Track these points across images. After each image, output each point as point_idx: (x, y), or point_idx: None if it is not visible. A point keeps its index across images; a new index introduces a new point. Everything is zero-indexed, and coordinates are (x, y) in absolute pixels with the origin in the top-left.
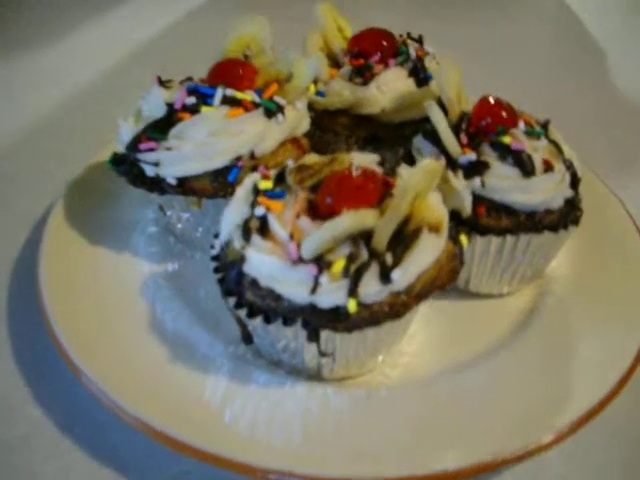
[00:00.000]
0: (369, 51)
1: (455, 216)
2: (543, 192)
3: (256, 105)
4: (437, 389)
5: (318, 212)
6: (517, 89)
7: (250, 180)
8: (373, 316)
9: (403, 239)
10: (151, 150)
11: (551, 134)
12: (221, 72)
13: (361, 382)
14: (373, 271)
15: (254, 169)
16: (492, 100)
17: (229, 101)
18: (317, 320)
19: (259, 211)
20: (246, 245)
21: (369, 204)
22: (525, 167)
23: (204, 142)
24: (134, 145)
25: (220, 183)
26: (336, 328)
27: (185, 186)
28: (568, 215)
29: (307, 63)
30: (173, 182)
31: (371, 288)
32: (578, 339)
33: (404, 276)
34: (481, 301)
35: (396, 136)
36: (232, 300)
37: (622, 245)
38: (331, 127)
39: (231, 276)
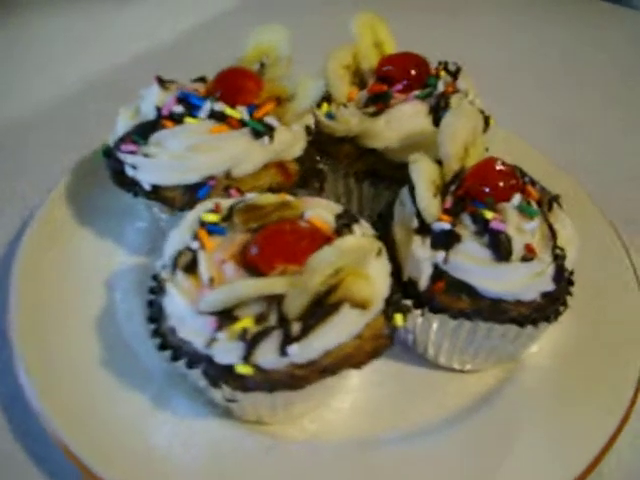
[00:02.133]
0: (395, 77)
1: (412, 285)
2: (514, 282)
3: (243, 124)
4: (346, 454)
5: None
6: None
7: (202, 207)
8: (268, 382)
9: (320, 310)
10: (131, 153)
11: (553, 214)
12: (224, 81)
13: (274, 430)
14: (274, 339)
15: (227, 189)
16: (496, 164)
17: (216, 116)
18: (214, 372)
19: (194, 244)
20: (170, 277)
21: (297, 262)
22: (499, 250)
23: (180, 155)
24: (119, 143)
25: (189, 198)
26: (230, 385)
27: (158, 193)
28: (543, 310)
29: (311, 85)
30: (147, 187)
31: (268, 356)
32: (521, 443)
33: (304, 351)
34: (437, 371)
35: (397, 176)
36: (151, 326)
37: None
38: (333, 153)
39: (155, 305)
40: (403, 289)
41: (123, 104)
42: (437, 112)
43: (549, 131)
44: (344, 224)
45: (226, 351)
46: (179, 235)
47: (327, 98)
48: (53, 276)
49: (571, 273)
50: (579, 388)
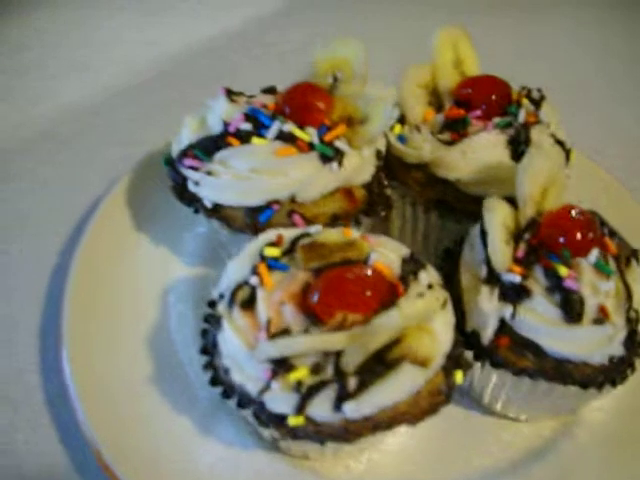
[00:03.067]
0: (474, 101)
1: (475, 336)
2: (582, 345)
3: (312, 147)
4: None
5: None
6: None
7: (263, 238)
8: (319, 434)
9: (379, 365)
10: (194, 169)
11: (630, 271)
12: (294, 97)
13: (319, 467)
14: (329, 393)
15: (291, 214)
16: (575, 212)
17: (284, 137)
18: (264, 416)
19: (253, 280)
20: (227, 313)
21: (358, 311)
22: (570, 311)
23: (244, 176)
24: (181, 157)
25: (251, 220)
26: (279, 432)
27: (219, 212)
28: (610, 373)
29: (385, 110)
30: (209, 205)
31: (321, 411)
32: None
33: (359, 408)
34: (491, 418)
35: (468, 209)
36: (204, 359)
37: None
38: (403, 178)
39: (209, 335)
40: (465, 338)
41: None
42: (516, 145)
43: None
44: (411, 270)
45: (279, 401)
46: (239, 266)
47: (400, 119)
48: (108, 281)
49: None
50: (636, 448)
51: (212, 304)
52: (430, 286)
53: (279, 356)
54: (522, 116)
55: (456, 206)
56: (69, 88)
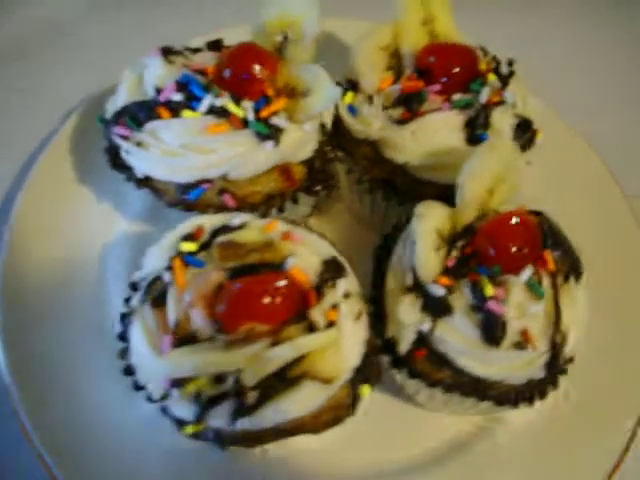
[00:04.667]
0: (436, 71)
1: (392, 344)
2: (500, 368)
3: (246, 123)
4: None
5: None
6: None
7: (183, 228)
8: (221, 439)
9: (280, 381)
10: (124, 137)
11: (566, 288)
12: (235, 62)
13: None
14: (227, 406)
15: (222, 192)
16: (515, 221)
17: (217, 111)
18: (168, 416)
19: (167, 276)
20: (139, 308)
21: (266, 322)
22: (490, 335)
23: (173, 151)
24: (113, 123)
25: (180, 195)
26: (183, 434)
27: (150, 184)
28: (527, 391)
29: (328, 89)
30: (140, 176)
31: (219, 422)
32: None
33: (256, 423)
34: (415, 409)
35: (415, 192)
36: (121, 345)
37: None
38: (351, 151)
39: (123, 323)
40: (384, 343)
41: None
42: (474, 128)
43: None
44: (329, 277)
45: (179, 408)
46: (157, 255)
47: (354, 85)
48: (46, 234)
49: (570, 359)
50: (554, 452)
51: (134, 286)
52: (347, 295)
53: (172, 375)
54: (484, 95)
55: (403, 188)
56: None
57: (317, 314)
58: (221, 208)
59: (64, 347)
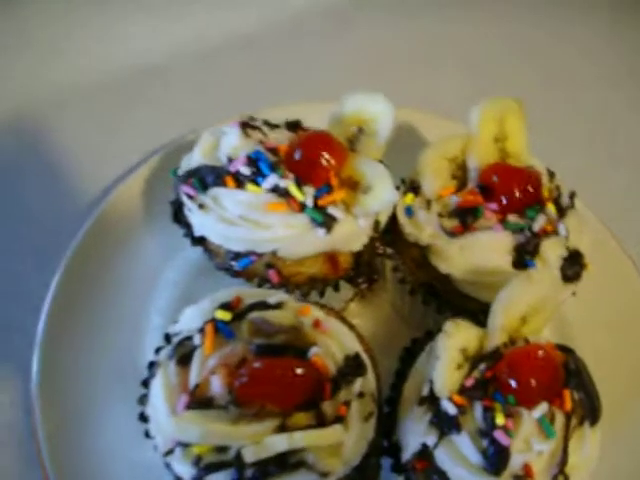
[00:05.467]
0: (497, 190)
1: (396, 450)
2: None
3: (304, 208)
4: None
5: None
6: None
7: (223, 294)
8: None
9: (278, 465)
10: (189, 197)
11: (578, 431)
12: (306, 148)
13: None
14: (223, 476)
15: (269, 266)
16: (541, 355)
17: (279, 191)
18: (170, 470)
19: (197, 339)
20: (165, 363)
21: (278, 405)
22: (491, 464)
23: (231, 220)
24: (182, 181)
25: (230, 262)
26: None
27: (204, 243)
28: None
29: (386, 191)
30: (196, 234)
31: None
32: None
33: None
34: None
35: (455, 302)
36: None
37: None
38: (400, 249)
39: (149, 371)
40: (389, 445)
41: None
42: (521, 254)
43: None
44: (348, 373)
45: (179, 467)
46: (194, 315)
47: (415, 188)
48: (99, 278)
49: None
50: None
51: (167, 338)
52: (361, 394)
53: (178, 437)
54: (538, 223)
55: (443, 297)
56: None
57: (329, 407)
58: (265, 280)
59: (92, 386)
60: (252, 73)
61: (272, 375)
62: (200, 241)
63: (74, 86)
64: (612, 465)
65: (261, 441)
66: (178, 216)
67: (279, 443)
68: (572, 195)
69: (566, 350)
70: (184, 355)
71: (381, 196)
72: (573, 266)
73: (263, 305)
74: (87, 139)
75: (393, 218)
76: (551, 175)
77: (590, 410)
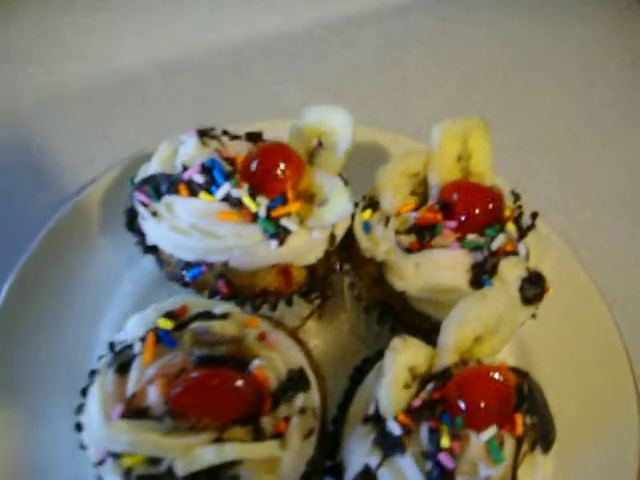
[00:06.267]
0: (457, 208)
1: (339, 469)
2: None
3: (256, 218)
4: None
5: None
6: None
7: (170, 303)
8: None
9: (214, 473)
10: (143, 205)
11: (529, 456)
12: (263, 159)
13: None
14: None
15: (220, 277)
16: (493, 378)
17: (232, 201)
18: None
19: (137, 347)
20: (104, 371)
21: (214, 419)
22: None
23: (182, 228)
24: (137, 188)
25: (180, 272)
26: None
27: (156, 252)
28: None
29: (341, 204)
30: (149, 243)
31: None
32: None
33: None
34: None
35: (409, 322)
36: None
37: None
38: (357, 265)
39: (90, 380)
40: (332, 467)
41: None
42: (478, 273)
43: None
44: (290, 388)
45: (110, 476)
46: (138, 323)
47: (374, 204)
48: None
49: None
50: None
51: (111, 347)
52: (303, 411)
53: (108, 446)
54: (497, 242)
55: (398, 317)
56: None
57: (267, 422)
58: (216, 292)
59: (36, 396)
60: (235, 88)
61: (209, 386)
62: (152, 250)
63: (54, 91)
64: None
65: (194, 452)
66: (132, 224)
67: (209, 454)
68: (534, 215)
69: (521, 373)
70: (123, 363)
71: (336, 208)
72: (533, 288)
73: (208, 315)
74: (59, 144)
75: (351, 234)
76: (516, 197)
77: (543, 436)
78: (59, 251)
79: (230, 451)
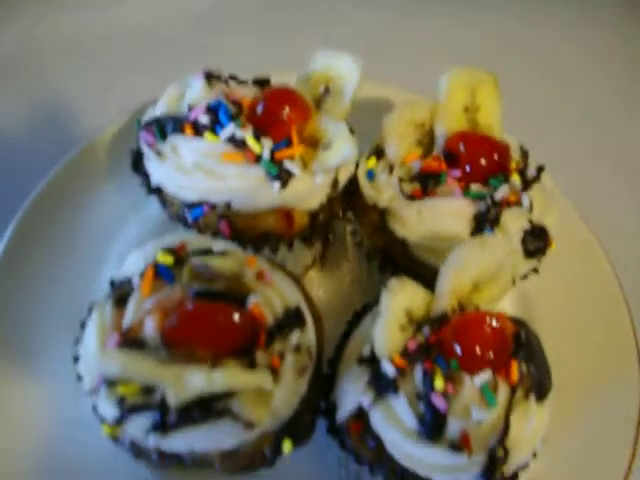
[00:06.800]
0: (462, 158)
1: (332, 410)
2: (428, 465)
3: (259, 160)
4: None
5: None
6: None
7: (169, 240)
8: (134, 449)
9: (204, 410)
10: (148, 145)
11: (522, 404)
12: (270, 100)
13: None
14: (147, 419)
15: (221, 219)
16: (490, 323)
17: (236, 142)
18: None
19: (136, 281)
20: (102, 304)
21: (209, 350)
22: (426, 429)
23: (185, 168)
24: (143, 128)
25: (183, 212)
26: (105, 431)
27: (160, 193)
28: None
29: (345, 147)
30: (153, 184)
31: (134, 431)
32: None
33: (168, 445)
34: None
35: (409, 270)
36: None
37: None
38: (360, 213)
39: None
40: (326, 408)
41: None
42: (480, 223)
43: None
44: (285, 325)
45: (104, 407)
46: (138, 258)
47: (380, 152)
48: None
49: (514, 477)
50: None
51: (112, 283)
52: (297, 348)
53: (103, 372)
54: (501, 193)
55: (399, 264)
56: None
57: (261, 357)
58: (218, 234)
59: (39, 336)
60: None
61: (204, 317)
62: (156, 191)
63: (75, 38)
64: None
65: (181, 380)
66: (138, 166)
67: (197, 380)
68: (540, 169)
69: (519, 322)
70: (121, 296)
71: (340, 151)
72: (536, 241)
73: (207, 252)
74: (78, 90)
75: (355, 182)
76: (524, 153)
77: (538, 384)
78: (66, 193)
79: (219, 378)
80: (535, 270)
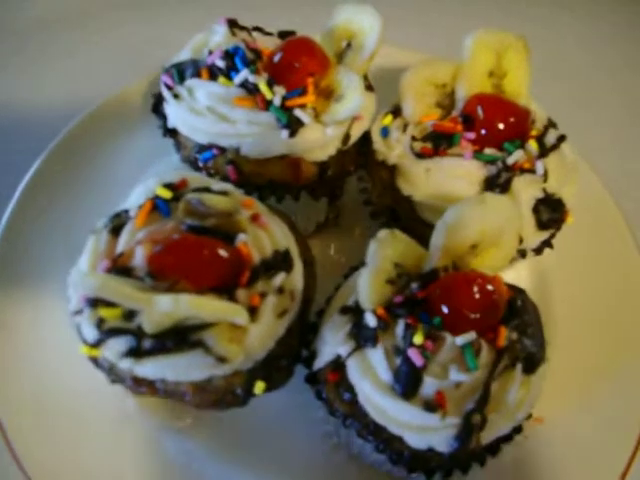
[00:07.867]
0: (479, 120)
1: (311, 359)
2: (401, 423)
3: (269, 106)
4: None
5: None
6: None
7: (170, 176)
8: (112, 373)
9: (179, 339)
10: (167, 87)
11: (509, 373)
12: (287, 51)
13: None
14: (123, 343)
15: (229, 163)
16: (480, 286)
17: (248, 87)
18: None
19: (133, 212)
20: (98, 230)
21: (191, 282)
22: (399, 385)
23: (199, 110)
24: (165, 72)
25: (194, 155)
26: (85, 352)
27: (174, 135)
28: (423, 461)
29: (354, 99)
30: (170, 126)
31: (110, 354)
32: None
33: (141, 371)
34: None
35: (414, 231)
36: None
37: None
38: (371, 171)
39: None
40: (307, 357)
41: None
42: (490, 186)
43: None
44: (271, 267)
45: (85, 328)
46: (139, 193)
47: (397, 110)
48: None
49: (492, 448)
50: None
51: (118, 215)
52: (281, 290)
53: (84, 290)
54: (514, 158)
55: (404, 224)
56: None
57: (242, 294)
58: (226, 179)
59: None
60: None
61: (188, 248)
62: (171, 133)
63: None
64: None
65: (151, 302)
66: (157, 108)
67: (164, 302)
68: (560, 138)
69: (516, 289)
70: (117, 225)
71: (350, 103)
72: (549, 211)
73: (206, 190)
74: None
75: (370, 140)
76: (551, 125)
77: (529, 355)
78: (88, 140)
79: (186, 302)
80: (549, 245)
